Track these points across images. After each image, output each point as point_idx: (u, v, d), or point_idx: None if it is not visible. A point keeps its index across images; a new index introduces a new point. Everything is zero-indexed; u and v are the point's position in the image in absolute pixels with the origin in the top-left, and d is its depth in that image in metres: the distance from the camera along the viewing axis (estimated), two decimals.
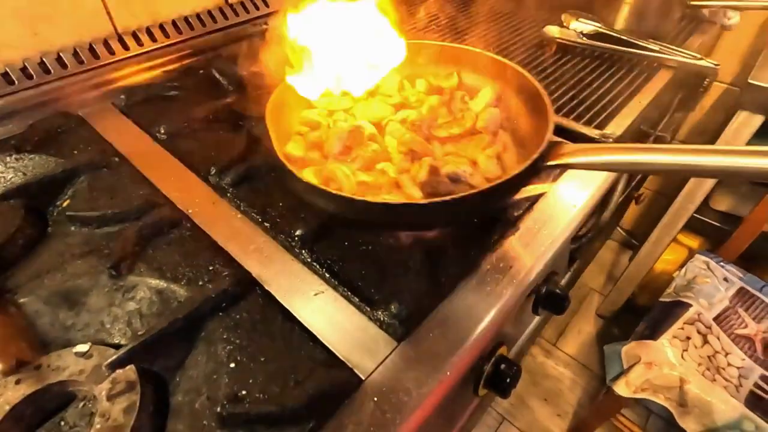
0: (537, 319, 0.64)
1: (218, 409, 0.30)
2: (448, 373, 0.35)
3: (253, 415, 0.30)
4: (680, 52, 0.78)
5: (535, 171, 0.41)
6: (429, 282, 0.40)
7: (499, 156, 0.50)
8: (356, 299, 0.39)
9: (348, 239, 0.44)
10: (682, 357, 0.84)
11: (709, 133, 1.33)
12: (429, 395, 0.34)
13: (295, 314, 0.38)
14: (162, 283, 0.40)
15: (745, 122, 0.90)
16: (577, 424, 1.22)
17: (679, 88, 0.95)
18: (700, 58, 0.76)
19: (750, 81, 0.87)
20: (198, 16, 0.74)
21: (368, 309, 0.38)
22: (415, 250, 0.43)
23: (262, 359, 0.34)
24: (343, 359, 0.35)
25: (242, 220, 0.47)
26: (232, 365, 0.34)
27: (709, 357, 0.85)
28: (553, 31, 0.82)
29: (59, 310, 0.39)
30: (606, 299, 1.50)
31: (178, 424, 0.32)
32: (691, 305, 0.92)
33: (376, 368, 0.35)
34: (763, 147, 0.31)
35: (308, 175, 0.45)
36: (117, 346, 0.35)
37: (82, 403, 0.34)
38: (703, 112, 1.35)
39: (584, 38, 0.81)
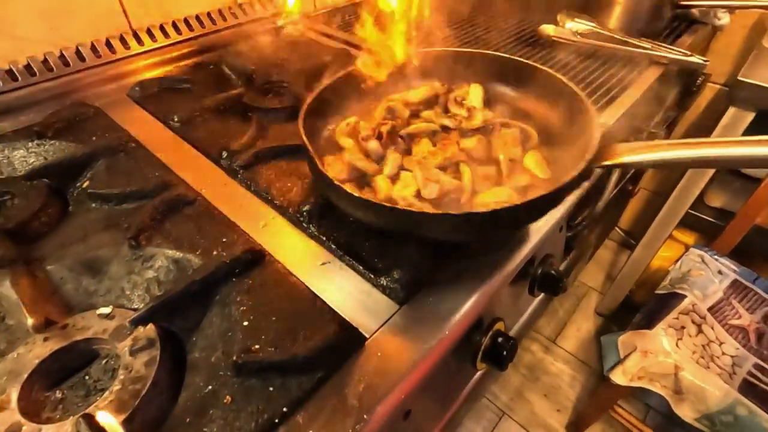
0: (535, 302, 0.67)
1: (234, 358, 0.33)
2: (447, 332, 0.37)
3: (266, 363, 0.33)
4: (671, 49, 0.81)
5: (588, 173, 0.39)
6: (429, 252, 0.42)
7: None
8: (360, 267, 0.41)
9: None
10: (677, 345, 0.86)
11: (704, 132, 1.36)
12: (429, 352, 0.36)
13: (303, 281, 0.40)
14: (178, 253, 0.42)
15: (736, 118, 0.93)
16: (576, 418, 1.23)
17: (672, 86, 0.98)
18: (690, 55, 0.79)
19: (739, 78, 0.90)
20: (209, 14, 0.77)
21: (372, 276, 0.41)
22: None
23: (273, 318, 0.37)
24: (348, 320, 0.37)
25: (252, 199, 0.49)
26: (245, 323, 0.36)
27: (703, 346, 0.87)
28: (548, 29, 0.85)
29: (83, 277, 0.41)
30: (605, 297, 1.52)
31: (196, 377, 0.34)
32: (685, 296, 0.95)
33: (380, 328, 0.37)
34: None
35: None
36: (137, 311, 0.37)
37: (104, 360, 0.37)
38: (698, 111, 1.39)
39: (579, 37, 0.85)
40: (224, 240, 0.43)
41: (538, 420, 1.28)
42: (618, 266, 1.70)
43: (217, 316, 0.38)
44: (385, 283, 0.40)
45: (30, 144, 0.55)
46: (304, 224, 0.46)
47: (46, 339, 0.36)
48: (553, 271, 0.57)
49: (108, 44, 0.67)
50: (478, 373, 0.53)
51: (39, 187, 0.50)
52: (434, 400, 0.47)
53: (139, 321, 0.36)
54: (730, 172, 1.20)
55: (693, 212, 1.16)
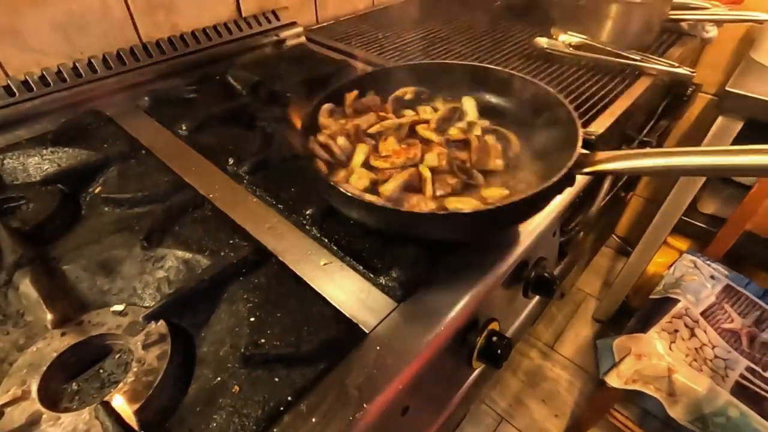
0: (530, 305, 0.69)
1: (241, 350, 0.35)
2: (443, 328, 0.39)
3: (272, 355, 0.35)
4: (660, 61, 0.84)
5: (570, 180, 0.42)
6: (426, 254, 0.45)
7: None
8: (360, 267, 0.44)
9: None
10: (670, 348, 0.88)
11: (696, 140, 1.39)
12: (426, 346, 0.38)
13: (306, 280, 0.42)
14: (188, 254, 0.44)
15: (725, 127, 0.96)
16: (574, 423, 1.24)
17: (662, 96, 1.01)
18: (678, 67, 0.82)
19: (728, 88, 0.93)
20: (215, 27, 0.80)
21: (371, 276, 0.43)
22: None
23: (278, 315, 0.39)
24: (349, 316, 0.40)
25: (258, 203, 0.52)
26: (252, 319, 0.38)
27: (696, 349, 0.89)
28: (542, 42, 0.88)
29: (97, 276, 0.43)
30: (601, 303, 1.54)
31: (205, 369, 0.36)
32: (679, 301, 0.97)
33: (379, 324, 0.39)
34: None
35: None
36: (148, 308, 0.40)
37: (118, 355, 0.39)
38: (689, 121, 1.42)
39: (571, 49, 0.88)
40: (231, 241, 0.45)
41: (537, 425, 1.29)
42: (615, 273, 1.72)
43: (225, 312, 0.40)
44: (384, 282, 0.42)
45: (44, 151, 0.58)
46: (306, 227, 0.48)
47: (63, 334, 0.38)
48: (546, 274, 0.59)
49: (119, 56, 0.70)
50: (475, 372, 0.55)
51: (53, 192, 0.52)
52: (432, 398, 0.49)
53: (152, 317, 0.38)
54: (721, 179, 1.23)
55: (686, 219, 1.19)
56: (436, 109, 0.60)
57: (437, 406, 0.50)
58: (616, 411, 1.11)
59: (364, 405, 0.33)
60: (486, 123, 0.58)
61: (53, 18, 0.65)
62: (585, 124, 0.68)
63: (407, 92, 0.61)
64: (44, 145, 0.58)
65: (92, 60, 0.68)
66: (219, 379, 0.35)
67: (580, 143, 0.43)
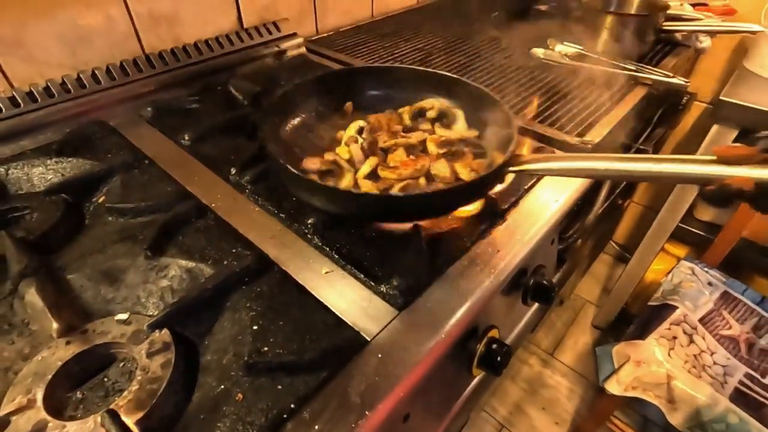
0: (529, 312, 0.69)
1: (244, 358, 0.35)
2: (443, 335, 0.40)
3: (274, 364, 0.35)
4: (654, 71, 0.85)
5: (500, 176, 0.48)
6: (426, 262, 0.45)
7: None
8: (361, 276, 0.44)
9: (355, 227, 0.49)
10: (669, 355, 0.88)
11: (692, 149, 1.41)
12: (426, 353, 0.38)
13: (308, 288, 0.43)
14: (191, 263, 0.45)
15: (720, 135, 0.98)
16: (574, 430, 1.24)
17: (657, 105, 1.03)
18: (672, 76, 0.83)
19: (722, 98, 0.95)
20: (217, 39, 0.82)
21: (372, 284, 0.44)
22: (415, 237, 0.48)
23: (281, 323, 0.39)
24: (350, 324, 0.40)
25: (260, 213, 0.52)
26: (255, 328, 0.39)
27: (695, 356, 0.89)
28: (538, 52, 0.90)
29: (101, 285, 0.44)
30: (600, 310, 1.54)
31: (208, 377, 0.37)
32: (677, 307, 0.97)
33: (380, 332, 0.40)
34: (687, 155, 0.38)
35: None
36: (152, 317, 0.40)
37: (122, 364, 0.39)
38: (686, 129, 1.44)
39: (567, 59, 0.89)
40: (234, 250, 0.46)
41: None
42: (613, 280, 1.73)
43: (228, 321, 0.40)
44: (384, 290, 0.43)
45: (49, 161, 0.58)
46: (308, 236, 0.49)
47: (68, 343, 0.39)
48: (545, 281, 0.59)
49: (122, 67, 0.71)
50: (475, 380, 0.55)
51: (57, 201, 0.53)
52: (433, 406, 0.49)
53: (156, 325, 0.39)
54: None
55: (683, 226, 1.20)
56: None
57: (438, 413, 0.51)
58: (616, 418, 1.11)
59: (366, 412, 0.34)
60: (475, 133, 0.59)
61: (58, 31, 0.66)
62: (582, 134, 0.70)
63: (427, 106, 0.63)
64: (48, 156, 0.59)
65: (96, 71, 0.69)
66: (222, 387, 0.35)
67: (512, 146, 0.47)
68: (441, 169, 0.52)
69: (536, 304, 0.65)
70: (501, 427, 1.30)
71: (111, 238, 0.48)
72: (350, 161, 0.54)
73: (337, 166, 0.53)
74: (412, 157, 0.54)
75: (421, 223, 0.50)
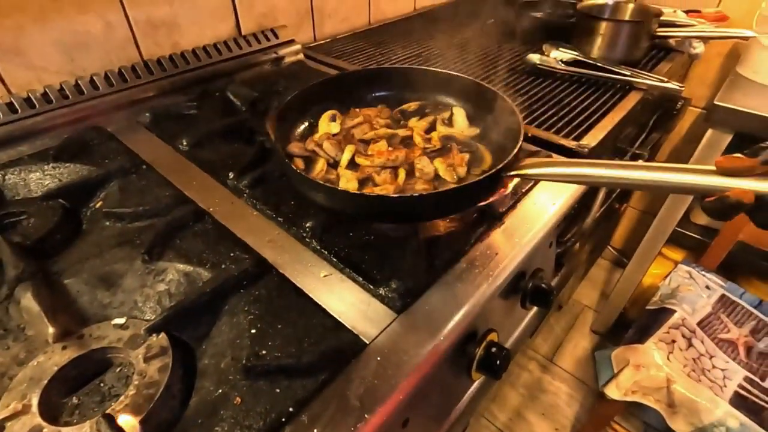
0: (528, 316, 0.69)
1: (243, 362, 0.35)
2: (442, 338, 0.40)
3: (273, 367, 0.35)
4: (649, 76, 0.86)
5: (498, 179, 0.47)
6: (425, 265, 0.45)
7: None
8: (360, 279, 0.44)
9: (353, 230, 0.49)
10: (668, 359, 0.88)
11: (687, 153, 1.41)
12: (425, 356, 0.38)
13: (306, 291, 0.43)
14: (189, 267, 0.45)
15: (714, 140, 0.98)
16: None
17: (652, 110, 1.04)
18: (667, 81, 0.84)
19: (716, 102, 0.95)
20: (215, 45, 0.82)
21: (371, 287, 0.43)
22: (413, 239, 0.48)
23: (279, 326, 0.39)
24: (349, 327, 0.40)
25: (258, 217, 0.52)
26: (253, 331, 0.39)
27: (694, 359, 0.89)
28: (534, 58, 0.91)
29: (98, 290, 0.44)
30: (599, 315, 1.54)
31: (206, 382, 0.36)
32: (675, 311, 0.97)
33: (379, 335, 0.40)
34: (687, 165, 0.38)
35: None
36: (149, 321, 0.40)
37: (118, 369, 0.39)
38: (681, 134, 1.45)
39: (563, 65, 0.90)
40: (232, 254, 0.46)
41: None
42: (612, 284, 1.73)
43: (226, 324, 0.40)
44: (383, 293, 0.43)
45: (46, 167, 0.58)
46: (306, 239, 0.49)
47: (64, 348, 0.38)
48: (543, 285, 0.59)
49: (120, 73, 0.72)
50: (475, 384, 0.55)
51: (54, 207, 0.52)
52: (432, 410, 0.49)
53: (153, 330, 0.38)
54: None
55: (680, 230, 1.20)
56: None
57: (437, 418, 0.50)
58: (616, 424, 1.11)
59: (366, 416, 0.34)
60: (476, 131, 0.60)
61: (57, 37, 0.66)
62: (578, 138, 0.70)
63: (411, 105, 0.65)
64: (46, 161, 0.59)
65: (94, 77, 0.69)
66: (220, 390, 0.35)
67: (516, 150, 0.46)
68: (425, 165, 0.53)
69: (535, 308, 0.65)
70: None
71: (108, 242, 0.48)
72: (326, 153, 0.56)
73: (314, 153, 0.56)
74: (390, 148, 0.56)
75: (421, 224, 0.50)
